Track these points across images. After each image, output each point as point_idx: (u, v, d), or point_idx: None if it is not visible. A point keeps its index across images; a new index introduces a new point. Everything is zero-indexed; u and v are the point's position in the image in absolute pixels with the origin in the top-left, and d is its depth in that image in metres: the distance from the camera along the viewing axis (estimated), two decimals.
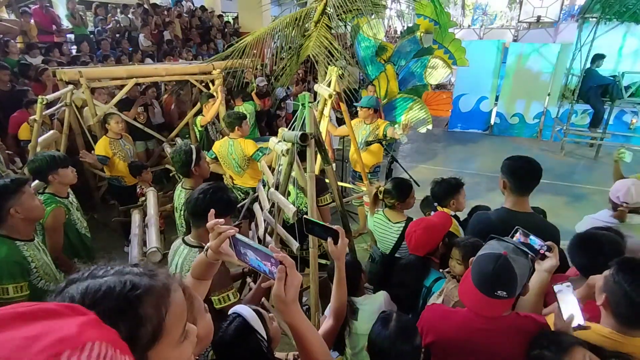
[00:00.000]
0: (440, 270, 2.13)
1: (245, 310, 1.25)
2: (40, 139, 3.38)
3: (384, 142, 4.03)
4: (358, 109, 4.18)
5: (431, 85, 6.98)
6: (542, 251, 1.50)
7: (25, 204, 1.88)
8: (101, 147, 3.84)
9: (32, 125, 3.49)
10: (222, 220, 1.12)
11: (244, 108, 5.67)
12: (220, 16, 11.40)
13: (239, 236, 1.06)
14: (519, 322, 1.37)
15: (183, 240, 1.85)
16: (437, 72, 6.64)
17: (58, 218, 2.40)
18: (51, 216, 2.36)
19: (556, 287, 1.30)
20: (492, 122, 9.23)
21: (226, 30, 10.31)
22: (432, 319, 1.47)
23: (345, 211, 2.61)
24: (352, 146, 3.82)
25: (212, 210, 1.17)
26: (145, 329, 0.62)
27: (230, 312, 1.27)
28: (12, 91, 4.59)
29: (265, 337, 1.21)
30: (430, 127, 6.54)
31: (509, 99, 8.81)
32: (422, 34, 6.59)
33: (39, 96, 3.60)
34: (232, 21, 11.53)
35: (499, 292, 1.28)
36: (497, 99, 9.09)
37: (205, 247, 1.13)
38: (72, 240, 2.55)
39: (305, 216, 1.37)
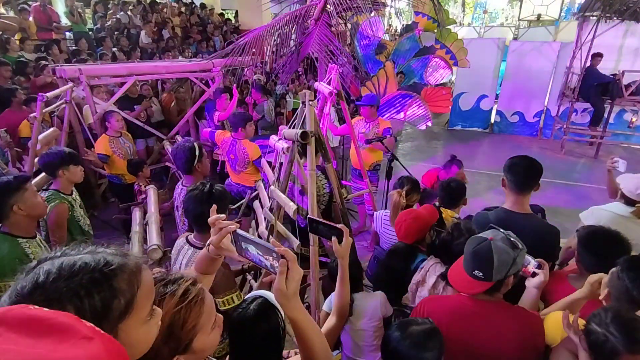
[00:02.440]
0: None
1: (264, 292, 1.29)
2: (40, 137, 3.38)
3: (384, 141, 4.03)
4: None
5: (431, 84, 6.97)
6: (532, 269, 1.52)
7: (27, 201, 1.88)
8: (101, 145, 3.85)
9: (32, 122, 3.48)
10: (223, 215, 1.13)
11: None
12: (221, 14, 11.39)
13: (240, 232, 1.07)
14: (511, 310, 1.43)
15: (187, 239, 1.84)
16: (438, 73, 6.64)
17: (61, 214, 2.41)
18: (54, 212, 2.37)
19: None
20: (492, 120, 9.23)
21: (226, 28, 10.29)
22: (426, 308, 1.50)
23: (346, 209, 2.62)
24: (353, 144, 3.82)
25: (214, 206, 1.19)
26: (119, 302, 0.65)
27: (248, 295, 1.30)
28: (10, 89, 4.53)
29: (284, 317, 1.23)
30: (430, 124, 6.54)
31: (509, 97, 8.82)
32: (421, 32, 6.59)
33: (39, 93, 3.59)
34: (232, 18, 11.50)
35: (475, 272, 1.37)
36: (497, 97, 9.10)
37: (207, 242, 1.15)
38: (76, 237, 2.55)
39: (309, 216, 1.37)
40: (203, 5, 10.92)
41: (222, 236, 1.11)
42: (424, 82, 6.89)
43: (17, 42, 6.09)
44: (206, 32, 9.46)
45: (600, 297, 1.37)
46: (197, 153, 2.53)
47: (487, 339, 1.38)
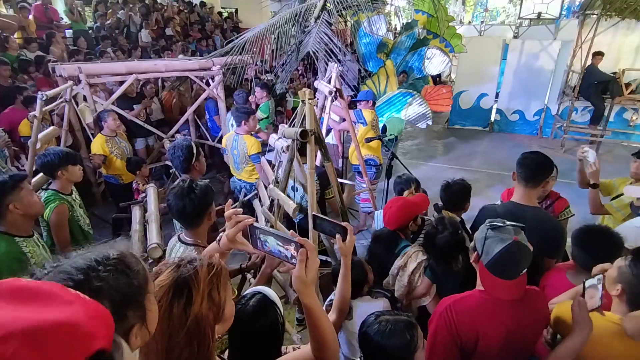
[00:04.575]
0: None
1: (264, 288, 1.30)
2: (40, 135, 3.37)
3: (384, 139, 4.03)
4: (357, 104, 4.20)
5: (431, 77, 6.96)
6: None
7: (24, 200, 1.88)
8: (97, 145, 3.77)
9: (32, 121, 3.47)
10: (240, 210, 1.18)
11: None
12: (220, 13, 11.37)
13: (257, 224, 1.10)
14: (529, 292, 1.46)
15: (179, 238, 1.85)
16: (434, 62, 6.63)
17: (62, 215, 2.41)
18: (55, 213, 2.36)
19: (588, 282, 1.37)
20: (492, 119, 9.22)
21: (225, 26, 10.28)
22: (454, 310, 1.47)
23: (346, 208, 2.62)
24: (353, 142, 3.82)
25: (230, 201, 1.21)
26: (139, 279, 0.74)
27: (247, 292, 1.31)
28: (11, 87, 4.56)
29: (282, 313, 1.25)
30: (430, 122, 6.53)
31: (510, 96, 8.80)
32: (420, 30, 6.60)
33: (39, 92, 3.58)
34: (232, 16, 11.47)
35: (523, 271, 1.39)
36: (497, 95, 9.08)
37: (219, 236, 1.16)
38: (76, 237, 2.55)
39: (313, 213, 1.38)
40: (203, 4, 10.90)
41: (239, 229, 1.16)
42: (423, 75, 6.88)
43: (18, 40, 6.08)
44: (205, 31, 9.45)
45: (612, 294, 1.37)
46: (194, 152, 2.53)
47: (519, 324, 1.42)
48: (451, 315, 1.46)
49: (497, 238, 1.37)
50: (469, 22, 16.74)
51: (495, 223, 1.41)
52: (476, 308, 1.45)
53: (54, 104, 4.10)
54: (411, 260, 2.10)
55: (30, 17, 6.90)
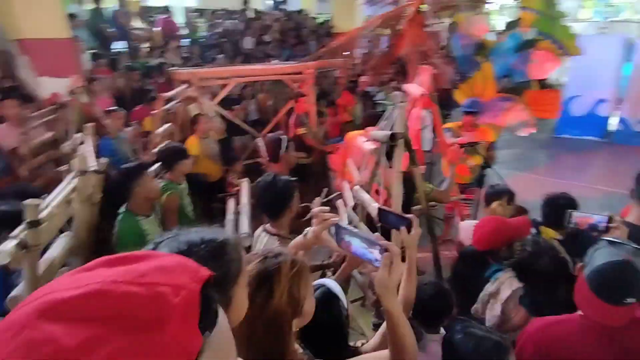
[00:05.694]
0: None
1: (328, 281, 1.33)
2: (159, 130, 3.89)
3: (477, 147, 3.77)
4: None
5: (537, 82, 6.31)
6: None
7: (147, 185, 2.25)
8: (192, 146, 3.94)
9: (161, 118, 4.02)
10: (327, 208, 1.25)
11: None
12: (314, 18, 11.83)
13: (343, 224, 1.14)
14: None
15: (264, 228, 2.00)
16: (543, 67, 5.98)
17: (173, 203, 2.77)
18: (168, 200, 2.72)
19: None
20: (611, 128, 8.00)
21: (320, 32, 10.65)
22: (546, 335, 1.33)
23: (431, 215, 2.53)
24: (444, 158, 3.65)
25: (317, 199, 1.29)
26: (234, 267, 0.78)
27: (314, 284, 1.36)
28: (140, 89, 5.36)
29: (347, 306, 1.27)
30: (532, 129, 5.92)
31: (636, 102, 7.54)
32: (526, 29, 6.01)
33: (159, 94, 4.14)
34: (327, 22, 11.84)
35: (627, 299, 1.19)
36: (619, 102, 7.87)
37: (305, 230, 1.23)
38: (181, 222, 2.90)
39: (378, 206, 1.38)
40: (300, 11, 11.46)
41: (324, 227, 1.21)
42: (527, 80, 6.27)
43: (146, 50, 7.14)
44: (301, 37, 9.93)
45: None
46: (281, 144, 2.71)
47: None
48: (542, 340, 1.31)
49: (608, 251, 1.23)
50: (588, 18, 14.81)
51: (614, 239, 1.27)
52: (575, 336, 1.28)
53: (171, 104, 4.70)
54: (504, 287, 1.88)
55: (157, 29, 8.01)
